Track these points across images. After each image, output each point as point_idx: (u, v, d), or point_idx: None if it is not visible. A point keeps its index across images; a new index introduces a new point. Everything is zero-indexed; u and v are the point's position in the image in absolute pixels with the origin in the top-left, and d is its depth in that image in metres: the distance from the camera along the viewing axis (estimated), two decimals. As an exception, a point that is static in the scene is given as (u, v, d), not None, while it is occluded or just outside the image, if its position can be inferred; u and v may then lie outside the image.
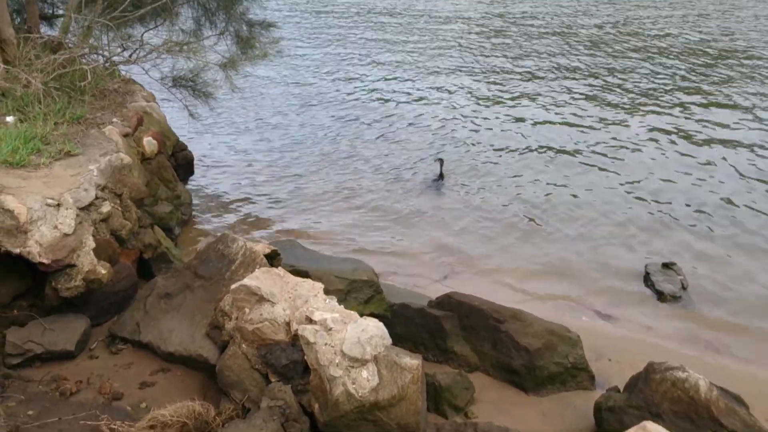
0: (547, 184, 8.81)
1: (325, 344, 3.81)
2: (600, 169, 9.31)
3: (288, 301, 4.15)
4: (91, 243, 4.76)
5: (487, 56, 15.95)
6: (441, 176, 9.34)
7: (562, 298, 6.28)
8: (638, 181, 8.87)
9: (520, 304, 5.92)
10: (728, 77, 13.98)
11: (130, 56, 7.27)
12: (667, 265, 6.56)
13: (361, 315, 5.05)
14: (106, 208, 5.07)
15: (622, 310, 6.08)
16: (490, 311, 5.08)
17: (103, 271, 4.76)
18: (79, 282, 4.66)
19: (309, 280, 4.37)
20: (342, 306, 4.19)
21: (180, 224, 6.99)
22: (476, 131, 10.81)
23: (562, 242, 7.34)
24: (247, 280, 4.19)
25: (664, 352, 5.36)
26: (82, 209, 4.85)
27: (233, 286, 4.23)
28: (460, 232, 7.57)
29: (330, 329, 3.84)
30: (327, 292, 5.27)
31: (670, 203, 8.20)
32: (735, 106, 12.01)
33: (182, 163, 7.71)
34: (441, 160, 9.45)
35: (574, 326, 5.24)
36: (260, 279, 4.22)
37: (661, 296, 6.19)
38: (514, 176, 9.07)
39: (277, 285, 4.23)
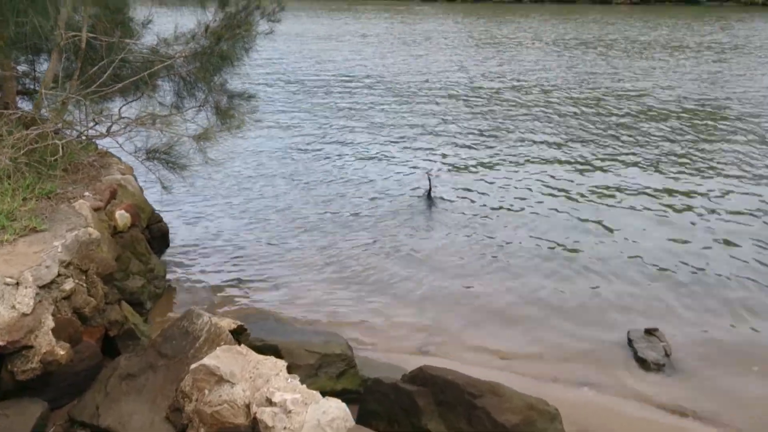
0: (526, 249, 8.71)
1: (284, 428, 3.63)
2: (582, 231, 9.26)
3: (248, 381, 3.99)
4: (50, 323, 4.62)
5: (479, 125, 16.12)
6: (429, 193, 10.04)
7: (543, 368, 6.10)
8: (619, 245, 8.81)
9: (500, 375, 5.77)
10: (712, 142, 14.16)
11: (108, 130, 7.27)
12: (649, 331, 6.42)
13: (333, 390, 4.90)
14: (68, 285, 4.95)
15: (605, 379, 5.90)
16: (465, 385, 4.90)
17: (62, 352, 4.60)
18: (36, 364, 4.50)
19: (271, 358, 4.23)
20: (305, 385, 4.03)
21: (153, 298, 6.84)
22: (468, 197, 10.78)
23: (542, 310, 7.19)
24: (207, 360, 4.05)
25: (647, 423, 5.20)
26: (42, 287, 4.72)
27: (193, 366, 4.08)
28: (441, 299, 7.43)
29: (289, 411, 3.68)
30: (297, 367, 5.13)
31: (652, 267, 8.11)
32: (718, 170, 12.11)
33: (157, 235, 7.61)
34: (429, 177, 10.14)
35: (555, 398, 5.06)
36: (220, 358, 4.07)
37: (644, 364, 6.03)
38: (493, 239, 8.98)
39: (237, 364, 4.08)
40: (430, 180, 10.22)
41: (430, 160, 12.88)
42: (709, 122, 15.80)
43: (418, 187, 10.78)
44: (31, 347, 4.49)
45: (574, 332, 6.69)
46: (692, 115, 16.52)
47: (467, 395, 4.86)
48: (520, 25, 43.20)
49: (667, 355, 6.11)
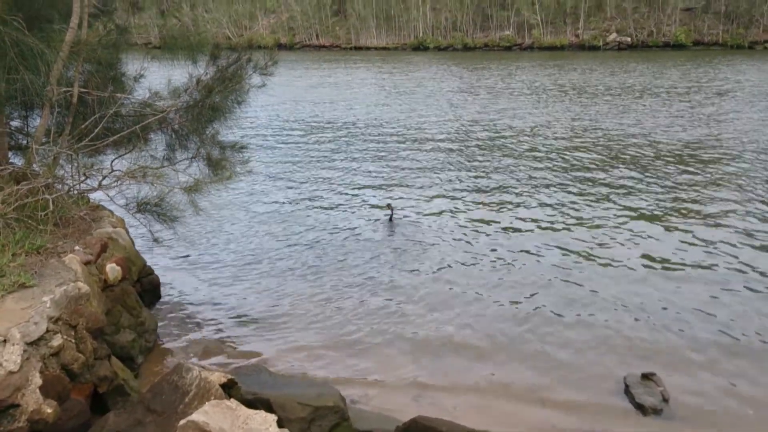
0: (520, 295, 8.66)
1: (275, 485, 3.55)
2: (577, 278, 9.22)
3: (238, 437, 3.92)
4: (37, 380, 4.55)
5: (457, 168, 16.25)
6: (391, 218, 11.67)
7: (541, 415, 6.00)
8: (615, 288, 8.78)
9: (496, 423, 5.70)
10: (704, 186, 14.29)
11: (99, 184, 7.29)
12: (646, 376, 6.33)
13: (326, 445, 4.79)
14: (57, 341, 4.89)
15: (603, 426, 5.81)
16: (458, 436, 4.84)
17: (49, 411, 4.52)
18: (23, 423, 4.42)
19: (261, 412, 4.16)
20: (296, 440, 3.96)
21: (144, 352, 6.76)
22: (453, 248, 10.80)
23: (537, 355, 7.12)
24: (195, 415, 3.98)
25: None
26: (30, 344, 4.67)
27: (181, 422, 4.01)
28: (432, 346, 7.34)
29: (280, 467, 3.60)
30: (289, 421, 5.04)
31: (647, 310, 8.07)
32: (706, 214, 12.17)
33: (148, 288, 7.56)
34: (390, 207, 11.88)
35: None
36: (209, 413, 4.01)
37: (642, 409, 5.94)
38: (484, 287, 8.92)
39: (227, 419, 4.01)
40: (392, 209, 11.90)
41: (402, 198, 13.43)
42: (695, 166, 15.98)
43: (382, 216, 12.11)
44: (18, 406, 4.42)
45: (571, 377, 6.60)
46: (675, 158, 16.71)
47: (461, 446, 4.80)
48: (507, 73, 43.86)
49: (665, 400, 6.03)
